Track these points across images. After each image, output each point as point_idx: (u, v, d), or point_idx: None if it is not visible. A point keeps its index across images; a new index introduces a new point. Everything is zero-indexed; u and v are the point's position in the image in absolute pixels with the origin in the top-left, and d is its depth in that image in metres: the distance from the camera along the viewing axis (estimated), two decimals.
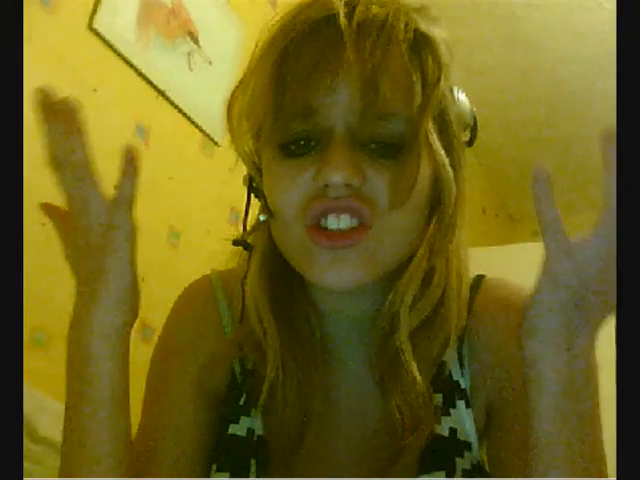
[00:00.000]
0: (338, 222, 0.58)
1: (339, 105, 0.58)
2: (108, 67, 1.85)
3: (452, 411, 0.64)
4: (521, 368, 0.54)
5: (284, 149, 0.61)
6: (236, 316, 0.70)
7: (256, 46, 0.64)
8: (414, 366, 0.61)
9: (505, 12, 2.78)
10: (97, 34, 1.80)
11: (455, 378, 0.65)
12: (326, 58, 0.58)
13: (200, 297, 0.74)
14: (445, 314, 0.64)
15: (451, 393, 0.65)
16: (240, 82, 0.65)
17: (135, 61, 1.90)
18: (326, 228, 0.59)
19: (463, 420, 0.64)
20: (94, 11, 1.80)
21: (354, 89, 0.58)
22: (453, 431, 0.63)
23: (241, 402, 0.67)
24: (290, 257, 0.63)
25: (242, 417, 0.66)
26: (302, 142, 0.60)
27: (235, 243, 0.68)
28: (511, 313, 0.63)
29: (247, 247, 0.68)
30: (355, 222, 0.58)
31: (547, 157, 3.69)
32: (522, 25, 2.84)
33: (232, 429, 0.66)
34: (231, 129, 0.66)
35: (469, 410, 0.64)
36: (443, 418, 0.63)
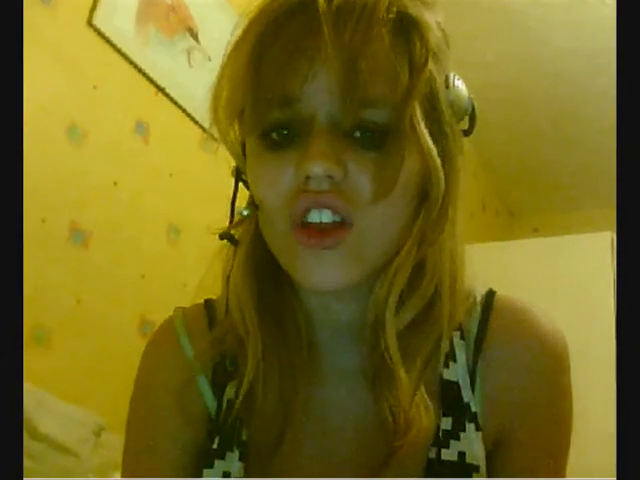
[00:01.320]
0: (320, 217, 0.56)
1: (319, 92, 0.56)
2: (108, 64, 1.85)
3: (462, 435, 0.63)
4: (536, 395, 0.52)
5: (266, 139, 0.58)
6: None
7: (233, 33, 0.61)
8: (401, 367, 0.60)
9: (505, 7, 2.78)
10: (96, 30, 1.80)
11: (466, 400, 0.64)
12: (303, 43, 0.56)
13: (164, 348, 0.71)
14: (437, 313, 0.62)
15: (461, 416, 0.63)
16: (220, 71, 0.63)
17: (135, 58, 1.90)
18: (309, 223, 0.57)
19: (472, 443, 0.62)
20: (93, 7, 1.80)
21: (334, 75, 0.55)
22: (462, 455, 0.62)
23: (215, 445, 0.64)
24: (277, 254, 0.61)
25: (216, 460, 0.64)
26: (285, 132, 0.58)
27: (221, 237, 0.66)
28: (528, 338, 0.64)
29: (233, 241, 0.66)
30: (338, 217, 0.56)
31: (547, 153, 3.69)
32: (522, 20, 2.83)
33: (207, 474, 0.63)
34: (216, 120, 0.64)
35: (478, 433, 0.63)
36: (452, 442, 0.62)
